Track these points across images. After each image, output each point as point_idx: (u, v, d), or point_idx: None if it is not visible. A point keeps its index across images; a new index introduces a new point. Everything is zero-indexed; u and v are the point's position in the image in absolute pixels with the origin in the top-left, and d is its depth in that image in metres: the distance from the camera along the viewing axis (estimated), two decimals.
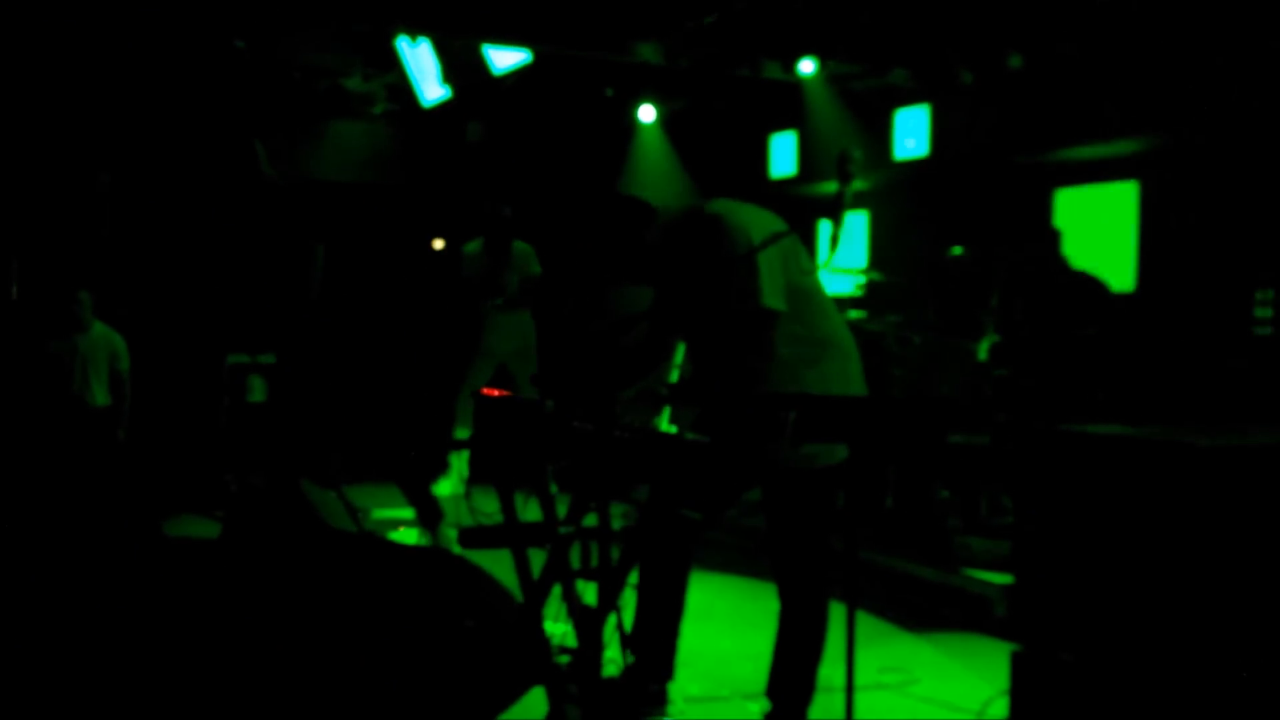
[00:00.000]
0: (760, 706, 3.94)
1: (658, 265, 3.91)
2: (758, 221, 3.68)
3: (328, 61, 9.76)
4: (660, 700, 4.10)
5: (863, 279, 7.78)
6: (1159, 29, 6.78)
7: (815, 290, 3.81)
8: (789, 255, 3.68)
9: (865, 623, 5.43)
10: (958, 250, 6.58)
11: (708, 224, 3.70)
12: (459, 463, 8.37)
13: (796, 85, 8.91)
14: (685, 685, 4.58)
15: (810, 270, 3.72)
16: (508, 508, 3.80)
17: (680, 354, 8.18)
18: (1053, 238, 6.94)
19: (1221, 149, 7.13)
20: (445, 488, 8.33)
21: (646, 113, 10.32)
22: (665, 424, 6.15)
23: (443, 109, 9.79)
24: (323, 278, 8.18)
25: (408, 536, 6.89)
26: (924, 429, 3.21)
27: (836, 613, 3.60)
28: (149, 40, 8.81)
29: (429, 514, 6.37)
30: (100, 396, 8.26)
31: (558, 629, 3.64)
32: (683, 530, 3.93)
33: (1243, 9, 6.38)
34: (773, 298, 3.59)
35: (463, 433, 8.25)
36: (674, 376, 7.87)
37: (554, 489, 3.80)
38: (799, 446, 3.66)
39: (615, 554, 3.47)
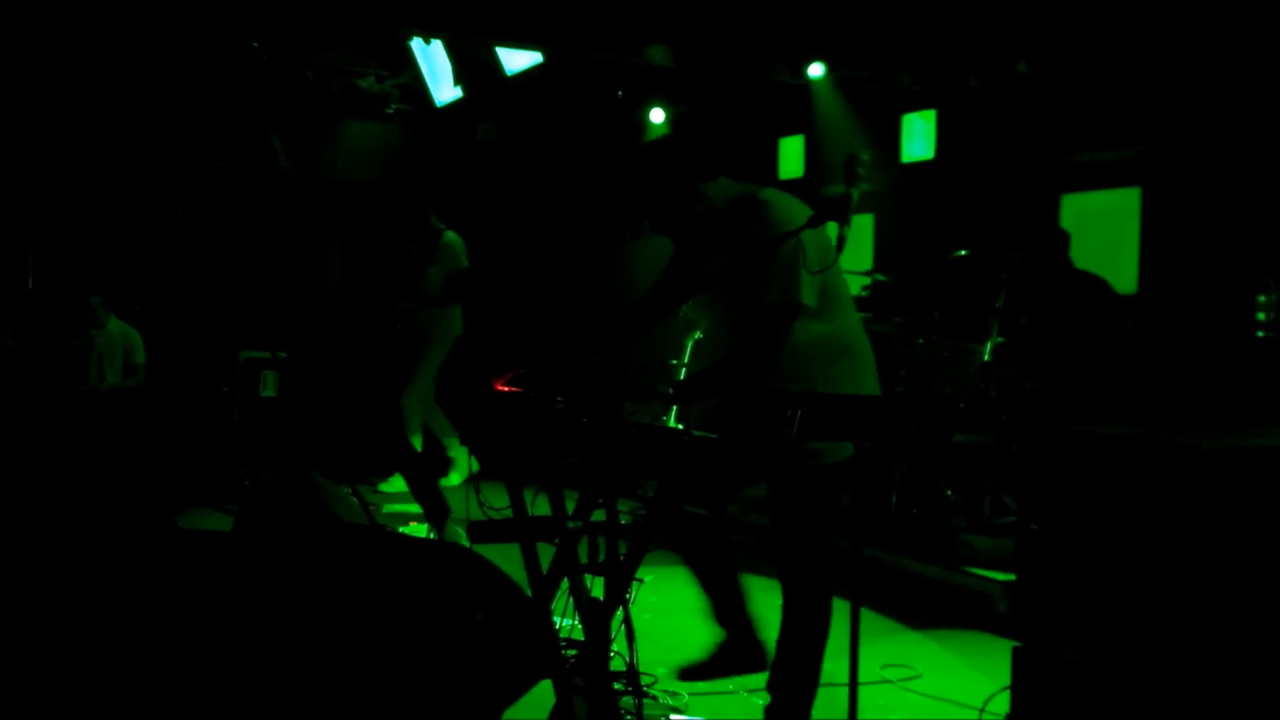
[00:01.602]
0: (764, 700, 3.99)
1: (696, 232, 3.88)
2: (804, 216, 3.65)
3: (342, 61, 9.83)
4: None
5: (868, 280, 7.82)
6: (1163, 37, 6.81)
7: (838, 287, 3.83)
8: (824, 250, 3.69)
9: (869, 620, 5.48)
10: (963, 252, 6.62)
11: (759, 207, 3.69)
12: (461, 455, 8.40)
13: (805, 89, 8.97)
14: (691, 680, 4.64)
15: (832, 266, 3.73)
16: (517, 503, 3.85)
17: (687, 354, 8.24)
18: (1062, 239, 6.98)
19: (1223, 155, 7.18)
20: (455, 478, 8.37)
21: (656, 115, 10.38)
22: (672, 421, 6.21)
23: (455, 110, 9.85)
24: (340, 274, 8.21)
25: (418, 531, 6.95)
26: (929, 428, 3.26)
27: (840, 609, 3.64)
28: (164, 40, 8.88)
29: (435, 509, 6.41)
30: (113, 383, 8.36)
31: (565, 623, 3.69)
32: (707, 529, 3.98)
33: (1244, 18, 6.42)
34: (807, 294, 3.60)
35: (415, 439, 8.22)
36: (680, 375, 7.93)
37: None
38: (804, 444, 3.71)
39: (623, 549, 3.52)
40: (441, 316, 8.32)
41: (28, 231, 9.77)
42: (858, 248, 9.65)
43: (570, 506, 3.76)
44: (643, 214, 3.84)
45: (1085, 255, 7.27)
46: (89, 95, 9.59)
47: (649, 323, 4.12)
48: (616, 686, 3.51)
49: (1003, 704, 3.99)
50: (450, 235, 8.35)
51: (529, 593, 3.89)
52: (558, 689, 3.64)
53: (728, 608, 4.06)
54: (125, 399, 8.39)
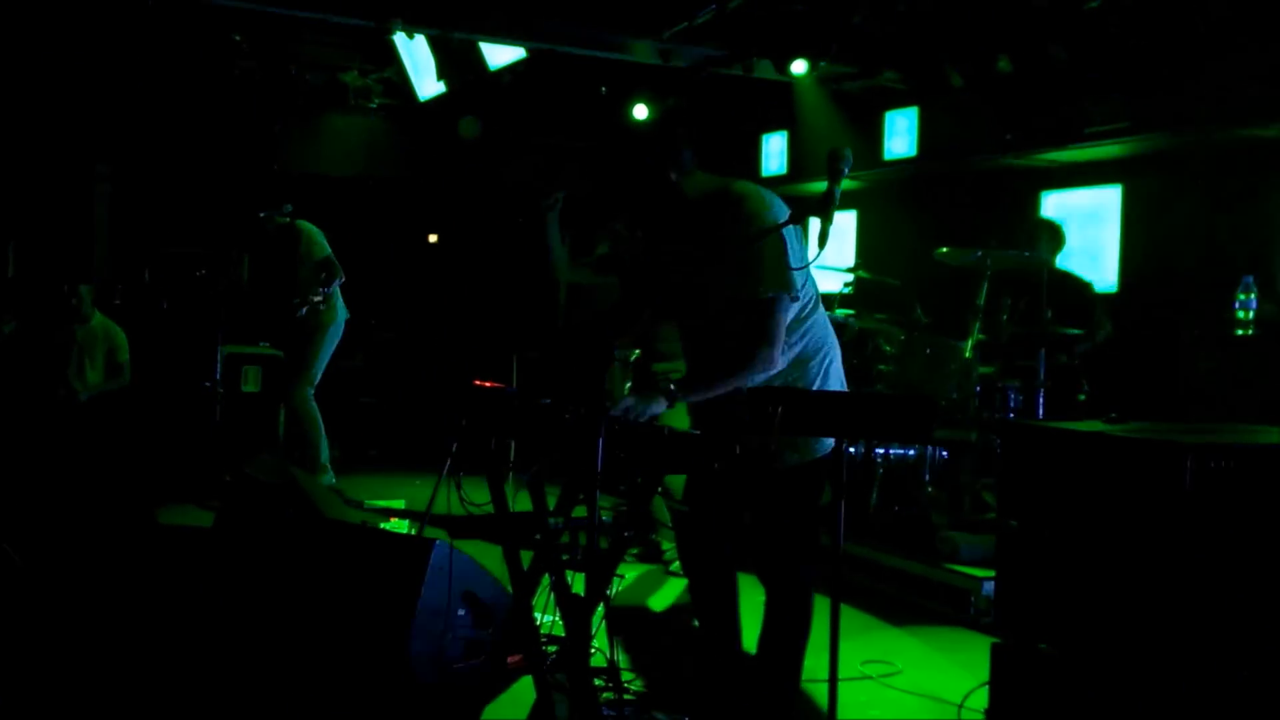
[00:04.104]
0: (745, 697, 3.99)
1: (670, 224, 3.86)
2: (781, 209, 3.66)
3: (325, 56, 9.80)
4: None
5: (850, 277, 7.82)
6: (1146, 35, 6.84)
7: (810, 285, 3.85)
8: (803, 247, 3.69)
9: (849, 616, 5.47)
10: (944, 249, 6.63)
11: (734, 201, 3.67)
12: None
13: (788, 85, 8.97)
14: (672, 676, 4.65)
15: (805, 265, 3.74)
16: (498, 498, 3.84)
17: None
18: (1052, 233, 6.99)
19: (1203, 153, 7.21)
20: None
21: (640, 111, 10.36)
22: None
23: (438, 104, 9.83)
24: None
25: (399, 527, 6.93)
26: (910, 425, 3.26)
27: (821, 606, 3.65)
28: (147, 33, 8.84)
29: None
30: (94, 385, 8.32)
31: (546, 618, 3.68)
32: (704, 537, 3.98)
33: (1227, 17, 6.45)
34: (794, 286, 3.62)
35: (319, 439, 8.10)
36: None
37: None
38: (784, 441, 3.71)
39: (604, 545, 3.52)
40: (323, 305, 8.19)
41: (8, 220, 9.73)
42: (840, 244, 9.68)
43: (551, 503, 3.76)
44: (617, 206, 3.82)
45: (1066, 252, 7.28)
46: (71, 87, 9.55)
47: (630, 319, 4.12)
48: (597, 683, 3.51)
49: (982, 699, 4.01)
50: (302, 223, 8.20)
51: (510, 589, 3.89)
52: (538, 686, 3.64)
53: (718, 656, 4.05)
54: (108, 400, 8.35)
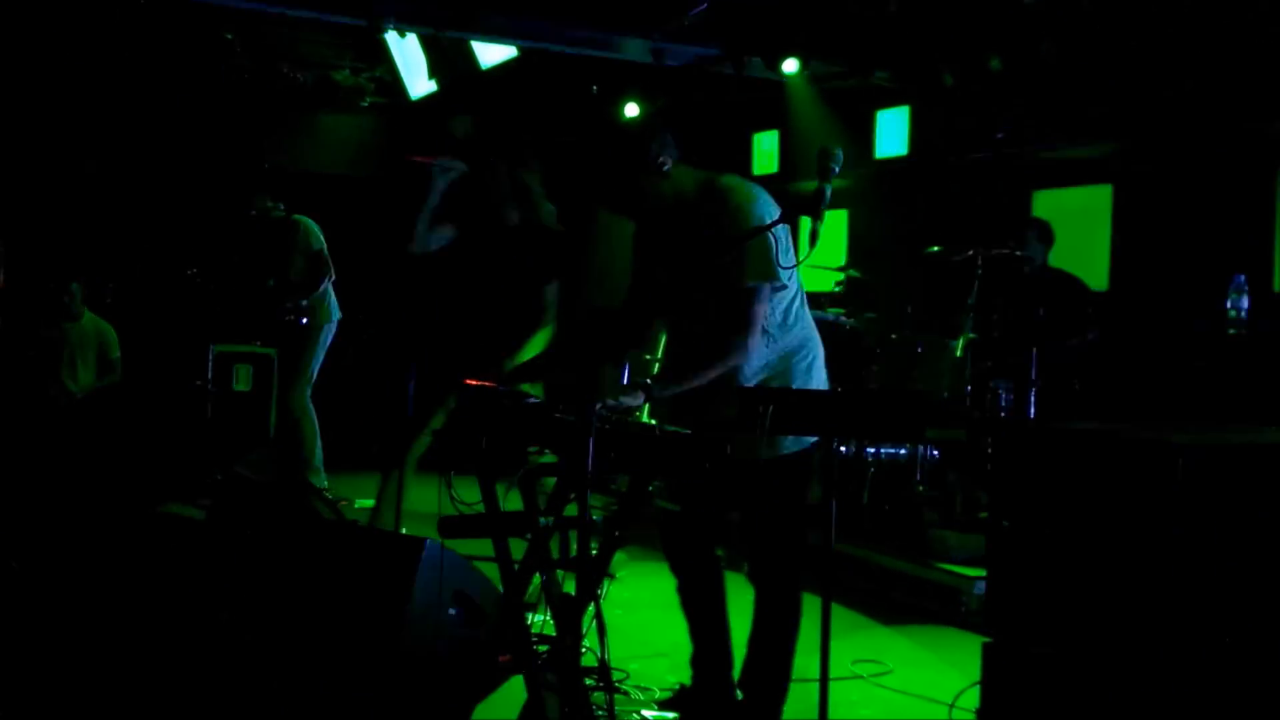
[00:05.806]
0: (736, 696, 3.99)
1: (658, 220, 3.87)
2: (767, 203, 3.70)
3: (317, 54, 9.79)
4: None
5: (841, 276, 7.83)
6: (1136, 34, 6.85)
7: (797, 283, 3.86)
8: (789, 248, 3.71)
9: (840, 615, 5.48)
10: (936, 248, 6.64)
11: (719, 195, 3.70)
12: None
13: (779, 84, 8.97)
14: (663, 675, 4.64)
15: (792, 263, 3.75)
16: (488, 497, 3.84)
17: (660, 349, 8.22)
18: (1043, 232, 6.99)
19: (1194, 152, 7.22)
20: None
21: (631, 109, 10.35)
22: (645, 416, 6.20)
23: (430, 103, 9.83)
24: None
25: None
26: (902, 423, 3.26)
27: (811, 605, 3.65)
28: (139, 30, 8.83)
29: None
30: (86, 384, 8.30)
31: (537, 618, 3.68)
32: (690, 534, 3.97)
33: (1219, 15, 6.46)
34: (767, 276, 3.63)
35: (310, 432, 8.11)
36: (654, 369, 7.92)
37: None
38: (774, 438, 3.71)
39: (595, 544, 3.51)
40: (316, 304, 8.15)
41: None
42: (831, 243, 9.67)
43: (542, 501, 3.75)
44: (604, 199, 3.83)
45: (1057, 252, 7.31)
46: (62, 86, 9.53)
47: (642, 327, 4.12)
48: (588, 682, 3.51)
49: (973, 699, 4.00)
50: (299, 216, 8.18)
51: (501, 588, 3.88)
52: (529, 685, 3.64)
53: (708, 654, 4.04)
54: (99, 397, 8.34)
